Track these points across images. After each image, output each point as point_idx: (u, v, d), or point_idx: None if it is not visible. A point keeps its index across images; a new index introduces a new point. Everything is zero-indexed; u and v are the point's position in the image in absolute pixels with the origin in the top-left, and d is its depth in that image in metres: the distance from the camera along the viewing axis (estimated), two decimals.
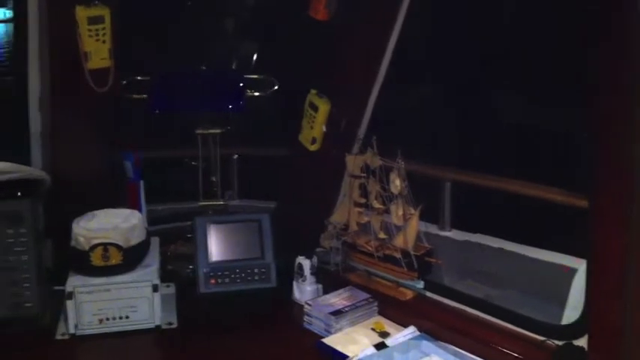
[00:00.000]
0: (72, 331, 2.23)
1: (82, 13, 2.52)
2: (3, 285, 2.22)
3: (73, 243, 2.31)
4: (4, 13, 3.15)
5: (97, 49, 2.57)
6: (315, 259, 2.48)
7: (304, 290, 2.44)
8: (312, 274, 2.45)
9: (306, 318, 2.30)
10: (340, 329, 2.22)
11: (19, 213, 2.25)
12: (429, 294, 2.39)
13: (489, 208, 2.83)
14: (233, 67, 3.07)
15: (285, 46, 2.90)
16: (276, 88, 2.84)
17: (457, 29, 3.19)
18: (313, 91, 2.74)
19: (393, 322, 2.27)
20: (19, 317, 2.23)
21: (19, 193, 2.30)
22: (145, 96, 2.69)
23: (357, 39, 2.65)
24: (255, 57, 3.07)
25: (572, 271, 2.32)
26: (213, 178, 2.82)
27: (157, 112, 2.69)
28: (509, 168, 2.78)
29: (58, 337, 2.23)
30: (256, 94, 2.82)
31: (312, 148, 2.75)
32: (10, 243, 2.23)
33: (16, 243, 2.24)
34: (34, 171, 2.48)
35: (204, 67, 2.87)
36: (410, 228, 2.40)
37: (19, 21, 2.68)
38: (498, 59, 3.31)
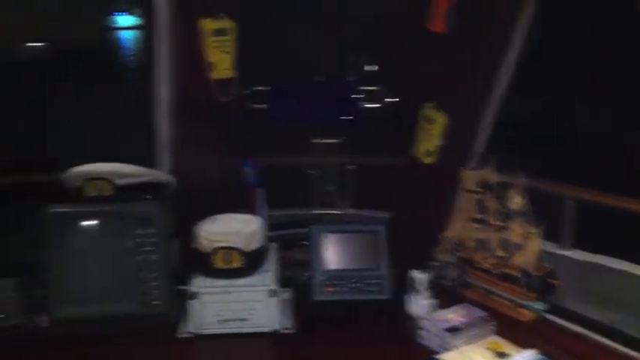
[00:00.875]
0: (194, 330, 2.32)
1: (207, 25, 2.63)
2: (133, 283, 2.33)
3: (196, 245, 2.41)
4: (132, 21, 3.31)
5: (221, 60, 2.68)
6: (430, 273, 2.47)
7: (419, 304, 2.43)
8: (427, 288, 2.44)
9: (420, 332, 2.29)
10: (455, 347, 2.19)
11: (148, 214, 2.38)
12: (549, 316, 2.33)
13: (613, 227, 2.72)
14: (349, 78, 3.11)
15: (402, 58, 2.90)
16: (391, 99, 2.86)
17: (581, 40, 3.10)
18: (430, 104, 2.73)
19: (511, 343, 2.22)
20: (146, 314, 2.34)
21: (148, 196, 2.44)
22: (265, 106, 2.78)
23: (475, 52, 2.62)
24: (371, 69, 3.09)
25: None
26: (329, 187, 2.87)
27: (276, 121, 2.78)
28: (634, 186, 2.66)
29: (181, 335, 2.33)
30: (372, 105, 2.86)
31: (427, 160, 2.74)
32: (139, 243, 2.36)
33: (145, 243, 2.36)
34: (161, 174, 2.61)
35: (321, 79, 2.93)
36: (530, 247, 2.35)
37: (147, 30, 2.82)
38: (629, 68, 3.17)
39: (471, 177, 2.58)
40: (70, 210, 2.35)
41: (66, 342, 2.25)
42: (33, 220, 2.29)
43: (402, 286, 2.49)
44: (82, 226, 2.36)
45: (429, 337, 2.26)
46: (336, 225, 2.69)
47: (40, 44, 3.14)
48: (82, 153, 2.46)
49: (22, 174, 2.64)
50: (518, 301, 2.37)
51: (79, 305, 2.31)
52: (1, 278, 2.36)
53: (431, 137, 2.72)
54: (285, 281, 2.50)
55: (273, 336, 2.33)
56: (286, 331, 2.35)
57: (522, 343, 2.18)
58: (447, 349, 2.18)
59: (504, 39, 2.53)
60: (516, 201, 2.40)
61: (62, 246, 2.32)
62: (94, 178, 2.37)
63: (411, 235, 2.74)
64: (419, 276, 2.45)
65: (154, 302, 2.33)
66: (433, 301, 2.44)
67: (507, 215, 2.43)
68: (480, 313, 2.32)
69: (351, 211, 3.04)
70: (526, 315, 2.35)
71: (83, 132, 2.88)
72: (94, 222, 2.37)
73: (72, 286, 2.32)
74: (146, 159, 2.65)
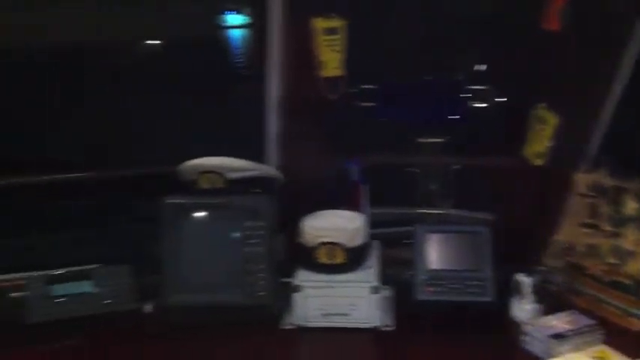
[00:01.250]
0: (297, 322, 2.39)
1: (319, 24, 2.69)
2: (239, 274, 2.42)
3: (300, 240, 2.47)
4: (241, 20, 3.42)
5: (331, 59, 2.72)
6: (536, 277, 2.42)
7: (523, 309, 2.38)
8: (532, 292, 2.39)
9: (524, 338, 2.25)
10: (561, 354, 2.13)
11: (257, 208, 2.46)
12: None
13: None
14: (458, 77, 3.08)
15: (512, 57, 2.85)
16: (501, 99, 2.81)
17: None
18: (541, 105, 2.67)
19: (620, 352, 2.14)
20: (251, 305, 2.42)
21: (257, 190, 2.52)
22: (372, 104, 2.81)
23: (591, 50, 2.54)
24: (481, 67, 3.04)
25: None
26: (432, 187, 2.86)
27: (383, 119, 2.80)
28: None
29: (284, 326, 2.40)
30: (480, 104, 2.82)
31: (537, 162, 2.68)
32: (247, 235, 2.44)
33: (252, 235, 2.44)
34: (270, 170, 2.70)
35: (429, 78, 2.92)
36: None
37: (257, 29, 2.92)
38: None
39: (583, 180, 2.51)
40: (184, 201, 2.47)
41: (173, 328, 2.37)
42: (150, 211, 2.43)
43: (506, 290, 2.45)
44: (194, 217, 2.48)
45: (532, 342, 2.21)
46: (441, 225, 2.67)
47: (156, 42, 3.31)
48: (197, 147, 2.59)
49: (142, 166, 2.82)
50: (629, 309, 2.28)
51: (188, 293, 2.42)
52: (116, 265, 2.51)
53: (542, 138, 2.66)
54: (386, 279, 2.52)
55: (374, 332, 2.36)
56: (387, 329, 2.37)
57: (631, 353, 2.09)
58: (551, 356, 2.13)
59: (624, 35, 2.44)
60: (631, 206, 2.31)
61: (175, 235, 2.44)
62: (206, 172, 2.49)
63: (517, 237, 2.69)
64: (524, 280, 2.40)
65: (260, 293, 2.41)
66: (538, 307, 2.39)
67: (620, 221, 2.34)
68: (586, 320, 2.25)
69: (453, 211, 3.00)
70: (636, 324, 2.26)
71: (197, 127, 3.01)
72: (205, 213, 2.49)
73: (182, 275, 2.44)
74: (256, 155, 2.74)
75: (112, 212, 2.83)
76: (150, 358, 2.26)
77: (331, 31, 2.70)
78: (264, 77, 2.80)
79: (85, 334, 2.36)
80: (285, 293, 2.43)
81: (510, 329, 2.35)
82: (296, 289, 2.38)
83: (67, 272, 2.45)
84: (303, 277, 2.40)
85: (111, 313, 2.44)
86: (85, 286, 2.44)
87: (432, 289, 2.46)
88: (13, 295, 2.47)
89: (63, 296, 2.41)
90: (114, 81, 2.99)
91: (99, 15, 2.87)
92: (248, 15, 3.40)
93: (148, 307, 2.50)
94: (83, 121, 2.92)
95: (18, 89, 2.85)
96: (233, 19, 3.54)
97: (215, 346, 2.30)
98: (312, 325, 2.38)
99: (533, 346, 2.21)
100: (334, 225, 2.46)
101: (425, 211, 2.85)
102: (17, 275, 2.48)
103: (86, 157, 2.86)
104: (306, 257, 2.44)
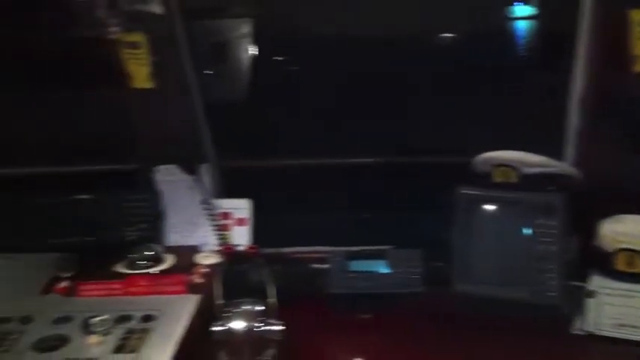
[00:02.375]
0: (589, 328, 2.28)
1: (636, 16, 2.50)
2: (529, 271, 2.39)
3: (597, 243, 2.35)
4: (527, 11, 3.35)
5: None
6: None
7: None
8: None
9: None
10: None
11: (551, 205, 2.40)
12: None
13: None
14: None
15: None
16: None
17: None
18: None
19: None
20: (539, 304, 2.37)
21: (552, 187, 2.45)
22: None
23: None
24: None
25: None
26: None
27: None
28: None
29: (574, 331, 2.31)
30: None
31: None
32: (539, 233, 2.39)
33: (545, 234, 2.39)
34: (567, 167, 2.60)
35: None
36: None
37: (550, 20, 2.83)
38: None
39: None
40: (477, 193, 2.50)
41: (459, 315, 2.43)
42: (444, 199, 2.50)
43: None
44: (486, 210, 2.49)
45: None
46: None
47: (450, 35, 3.39)
48: (494, 141, 2.60)
49: (440, 156, 2.94)
50: None
51: (475, 284, 2.46)
52: (409, 248, 2.61)
53: None
54: None
55: None
56: None
57: None
58: None
59: None
60: None
61: (466, 225, 2.49)
62: (501, 165, 2.48)
63: None
64: None
65: (549, 293, 2.35)
66: None
67: None
68: None
69: None
70: None
71: (493, 121, 3.03)
72: (497, 207, 2.48)
73: (471, 264, 2.48)
74: (553, 151, 2.66)
75: (408, 197, 2.97)
76: (430, 339, 2.35)
77: None
78: (567, 71, 2.70)
79: (373, 310, 2.52)
80: (575, 297, 2.34)
81: None
82: (590, 294, 2.27)
83: (364, 250, 2.63)
84: (598, 282, 2.28)
85: (399, 293, 2.55)
86: (379, 266, 2.59)
87: None
88: (314, 265, 2.72)
89: (358, 272, 2.58)
90: (409, 73, 3.12)
91: (399, 9, 3.01)
92: (535, 6, 3.34)
93: (439, 292, 2.55)
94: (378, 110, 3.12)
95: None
96: (520, 10, 3.49)
97: (498, 339, 2.30)
98: (604, 334, 2.26)
99: None
100: (636, 231, 2.30)
101: None
102: (320, 248, 2.74)
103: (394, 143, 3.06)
104: (602, 262, 2.31)
